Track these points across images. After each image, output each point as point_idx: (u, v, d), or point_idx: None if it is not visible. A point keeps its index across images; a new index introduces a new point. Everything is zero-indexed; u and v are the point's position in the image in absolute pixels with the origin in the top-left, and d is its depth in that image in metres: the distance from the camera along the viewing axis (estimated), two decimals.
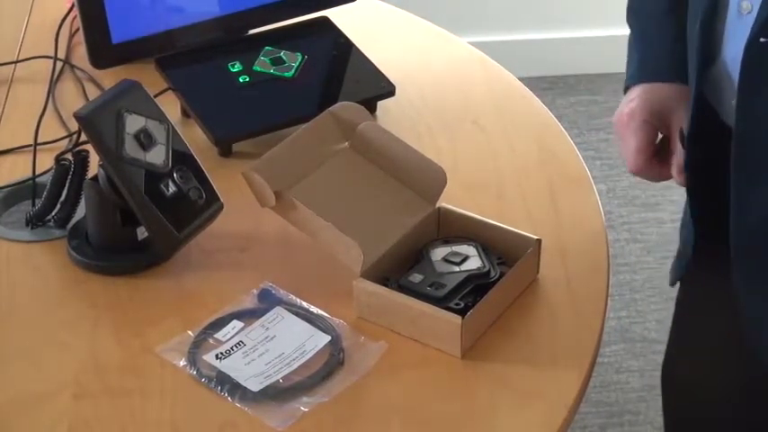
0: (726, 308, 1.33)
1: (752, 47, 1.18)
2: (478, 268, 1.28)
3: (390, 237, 1.31)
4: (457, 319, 1.21)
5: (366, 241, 1.27)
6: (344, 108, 1.38)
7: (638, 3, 1.44)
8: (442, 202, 1.36)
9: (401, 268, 1.30)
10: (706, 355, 1.46)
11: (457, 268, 1.28)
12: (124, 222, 1.33)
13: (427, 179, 1.34)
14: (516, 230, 1.32)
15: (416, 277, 1.27)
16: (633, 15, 1.44)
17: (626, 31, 1.44)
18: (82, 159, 1.37)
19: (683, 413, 1.53)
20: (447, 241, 1.31)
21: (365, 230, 1.28)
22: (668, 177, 1.37)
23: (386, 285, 1.26)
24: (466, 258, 1.29)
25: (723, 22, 1.25)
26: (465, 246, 1.30)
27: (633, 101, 1.35)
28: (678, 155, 1.34)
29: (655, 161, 1.35)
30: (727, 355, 1.42)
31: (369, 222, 1.31)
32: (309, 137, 1.35)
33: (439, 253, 1.30)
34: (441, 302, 1.24)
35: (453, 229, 1.34)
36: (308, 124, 1.37)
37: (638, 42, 1.42)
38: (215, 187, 1.35)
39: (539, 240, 1.31)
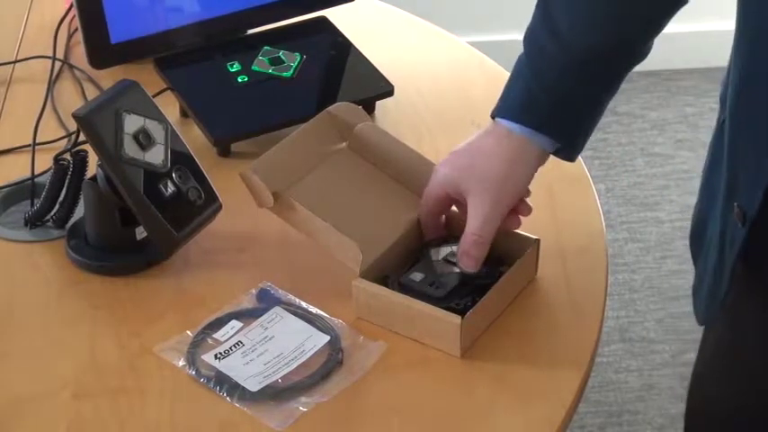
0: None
1: None
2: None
3: (389, 237, 1.31)
4: (456, 319, 1.21)
5: (365, 241, 1.27)
6: (342, 108, 1.38)
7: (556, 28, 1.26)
8: None
9: (400, 268, 1.30)
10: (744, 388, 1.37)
11: (457, 269, 1.28)
12: (123, 222, 1.33)
13: (425, 179, 1.34)
14: (515, 230, 1.32)
15: (417, 276, 1.27)
16: (549, 36, 1.26)
17: None
18: (81, 159, 1.37)
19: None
20: (447, 240, 1.31)
21: (364, 230, 1.28)
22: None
23: (385, 284, 1.27)
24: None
25: None
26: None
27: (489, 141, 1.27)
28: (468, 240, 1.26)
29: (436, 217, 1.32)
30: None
31: (367, 222, 1.31)
32: (307, 137, 1.35)
33: (439, 252, 1.30)
34: (441, 302, 1.24)
35: (451, 228, 1.34)
36: (305, 125, 1.37)
37: (538, 74, 1.27)
38: (214, 187, 1.35)
39: (537, 240, 1.31)
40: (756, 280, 1.28)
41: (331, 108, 1.38)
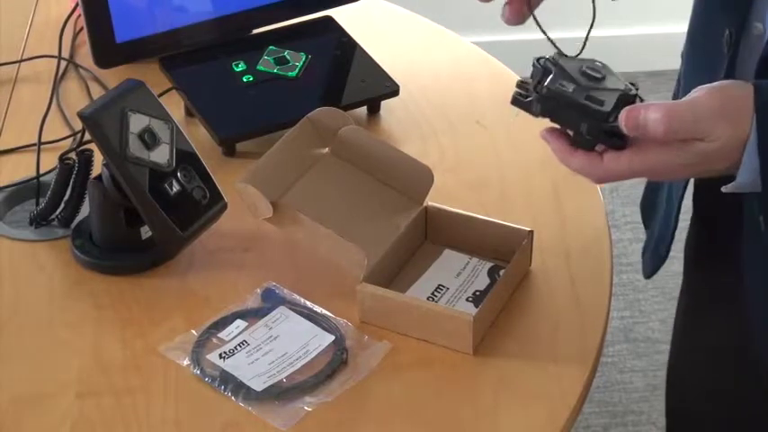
0: (731, 311, 1.32)
1: None
2: (626, 89, 1.11)
3: (386, 239, 1.30)
4: (469, 315, 1.21)
5: (366, 245, 1.26)
6: (322, 113, 1.36)
7: None
8: (444, 202, 1.36)
9: (396, 270, 1.30)
10: (709, 358, 1.45)
11: (602, 85, 1.10)
12: (128, 222, 1.33)
13: (413, 179, 1.34)
14: (507, 224, 1.32)
15: (568, 85, 1.09)
16: None
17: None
18: (86, 159, 1.37)
19: (686, 414, 1.52)
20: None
21: (363, 235, 1.28)
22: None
23: (394, 285, 1.25)
24: (604, 77, 1.13)
25: None
26: (594, 63, 1.14)
27: None
28: None
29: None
30: (729, 358, 1.41)
31: (364, 226, 1.30)
32: (291, 145, 1.34)
33: (571, 65, 1.12)
34: (607, 119, 1.09)
35: (442, 227, 1.34)
36: (288, 133, 1.35)
37: None
38: (219, 186, 1.35)
39: (531, 232, 1.31)
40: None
41: (311, 114, 1.36)
